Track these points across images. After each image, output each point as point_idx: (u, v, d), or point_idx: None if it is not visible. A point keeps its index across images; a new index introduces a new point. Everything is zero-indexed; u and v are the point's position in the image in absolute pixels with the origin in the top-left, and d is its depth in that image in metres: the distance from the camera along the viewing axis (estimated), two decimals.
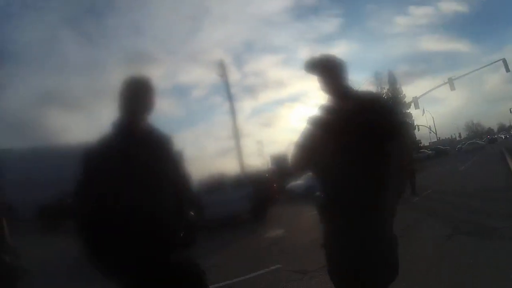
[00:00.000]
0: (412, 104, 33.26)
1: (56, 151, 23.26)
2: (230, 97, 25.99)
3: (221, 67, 25.29)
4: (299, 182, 20.00)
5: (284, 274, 5.17)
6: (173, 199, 1.94)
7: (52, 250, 8.96)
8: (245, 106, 70.14)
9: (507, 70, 27.96)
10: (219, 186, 11.97)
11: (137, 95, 1.91)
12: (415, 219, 7.61)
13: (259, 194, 12.55)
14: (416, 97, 32.81)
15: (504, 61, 28.27)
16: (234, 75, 67.96)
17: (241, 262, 6.36)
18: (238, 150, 24.70)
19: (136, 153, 1.86)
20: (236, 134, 25.17)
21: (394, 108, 1.97)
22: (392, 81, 43.27)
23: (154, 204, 1.83)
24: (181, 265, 1.91)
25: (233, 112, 25.86)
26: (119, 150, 1.83)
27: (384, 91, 42.02)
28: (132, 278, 1.80)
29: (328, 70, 2.07)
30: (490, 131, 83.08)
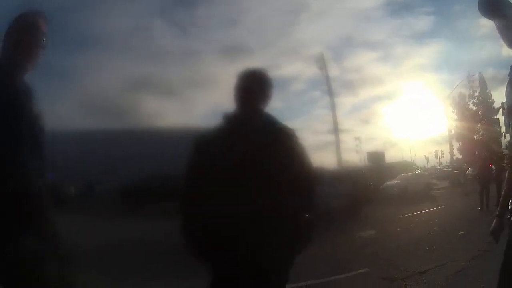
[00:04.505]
0: (501, 110, 29.14)
1: (144, 135, 23.10)
2: (330, 92, 25.39)
3: (321, 61, 24.66)
4: (393, 182, 18.97)
5: (371, 279, 5.05)
6: (290, 199, 1.78)
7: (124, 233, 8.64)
8: (345, 101, 67.56)
9: None
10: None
11: (253, 87, 1.83)
12: None
13: (355, 191, 12.18)
14: (504, 103, 28.03)
15: None
16: (333, 70, 64.95)
17: (327, 262, 6.09)
18: (337, 145, 24.08)
19: (251, 146, 1.74)
20: (335, 129, 24.52)
21: None
22: (483, 85, 40.45)
23: (265, 204, 1.70)
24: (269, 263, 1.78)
25: (332, 107, 25.24)
26: (232, 142, 1.75)
27: (476, 94, 40.61)
28: (222, 267, 1.75)
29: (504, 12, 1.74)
30: None
